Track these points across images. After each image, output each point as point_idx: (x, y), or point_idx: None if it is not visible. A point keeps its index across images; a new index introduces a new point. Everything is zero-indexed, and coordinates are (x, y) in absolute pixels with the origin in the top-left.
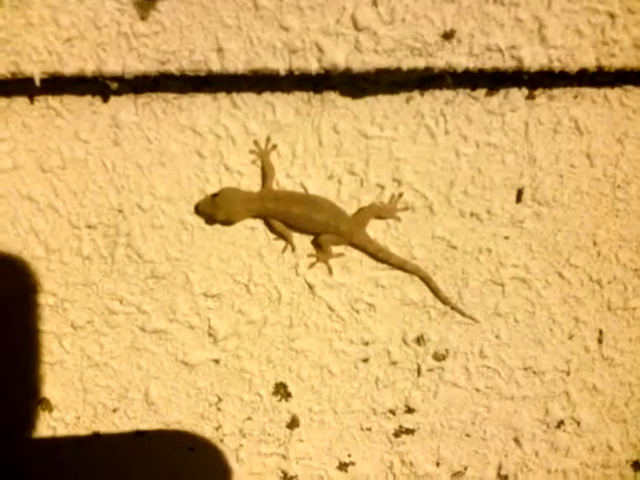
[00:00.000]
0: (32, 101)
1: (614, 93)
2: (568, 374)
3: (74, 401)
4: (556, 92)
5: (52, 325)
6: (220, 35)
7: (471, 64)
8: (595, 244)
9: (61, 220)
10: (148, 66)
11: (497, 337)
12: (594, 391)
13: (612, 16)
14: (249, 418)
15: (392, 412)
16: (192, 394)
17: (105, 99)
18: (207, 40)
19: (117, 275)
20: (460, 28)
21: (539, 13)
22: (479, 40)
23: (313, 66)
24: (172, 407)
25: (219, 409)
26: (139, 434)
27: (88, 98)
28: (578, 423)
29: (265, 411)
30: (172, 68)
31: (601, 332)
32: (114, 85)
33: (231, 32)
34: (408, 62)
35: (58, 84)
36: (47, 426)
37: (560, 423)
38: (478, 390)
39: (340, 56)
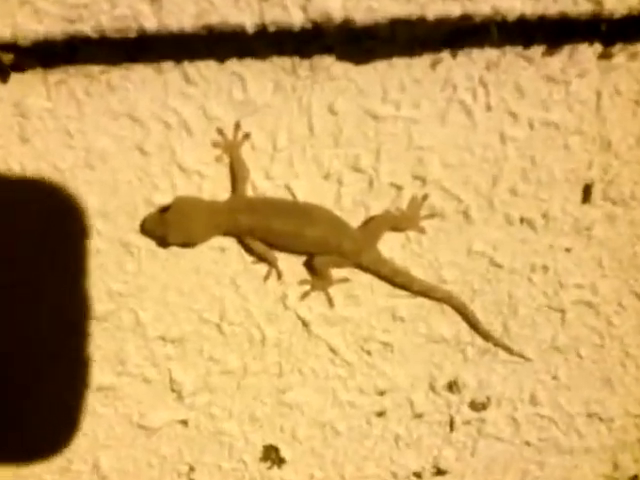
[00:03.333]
0: None
1: None
2: None
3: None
4: None
5: None
6: None
7: (528, 9)
8: None
9: None
10: (50, 27)
11: (554, 378)
12: None
13: None
14: None
15: (418, 475)
16: (155, 463)
17: (3, 78)
18: None
19: None
20: None
21: None
22: None
23: (296, 18)
24: None
25: None
26: None
27: None
28: None
29: None
30: (86, 28)
31: None
32: (8, 57)
33: None
34: (436, 8)
35: None
36: None
37: (633, 479)
38: (529, 444)
39: (335, 2)
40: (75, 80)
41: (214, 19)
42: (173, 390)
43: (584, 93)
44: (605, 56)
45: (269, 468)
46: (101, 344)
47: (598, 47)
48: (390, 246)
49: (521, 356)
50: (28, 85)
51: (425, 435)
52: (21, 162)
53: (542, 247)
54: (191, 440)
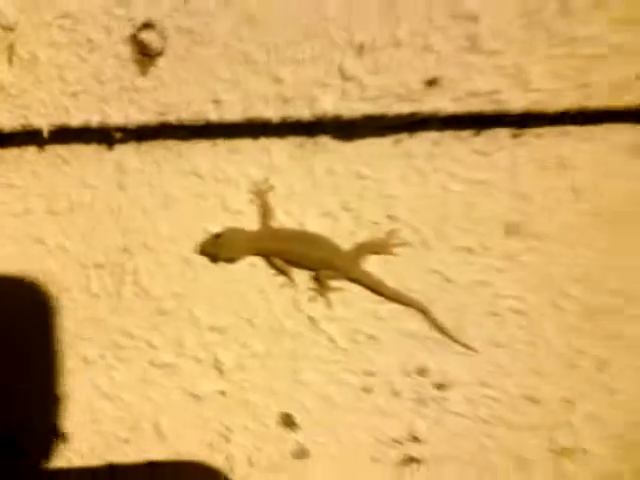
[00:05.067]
0: (41, 150)
1: (598, 130)
2: (571, 403)
3: (87, 432)
4: (541, 131)
5: (65, 360)
6: (217, 87)
7: (456, 108)
8: (587, 274)
9: (70, 260)
10: (149, 117)
11: (498, 366)
12: (597, 420)
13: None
14: (257, 448)
15: (398, 442)
16: (199, 425)
17: (110, 147)
18: (204, 92)
19: (125, 311)
20: (442, 75)
21: (519, 59)
22: (461, 85)
23: (305, 114)
24: (182, 438)
25: (227, 439)
26: (152, 465)
27: (94, 146)
28: (584, 451)
29: (273, 441)
30: (171, 118)
31: (601, 361)
32: (118, 135)
33: (227, 85)
34: (394, 108)
35: (65, 134)
36: (63, 457)
37: (566, 451)
38: (483, 420)
39: (329, 104)
40: (157, 150)
41: (253, 114)
42: (216, 368)
43: (502, 161)
44: (516, 136)
45: (286, 431)
46: (166, 332)
47: (510, 130)
48: (372, 265)
49: (470, 348)
50: (126, 152)
51: (402, 409)
52: (118, 204)
53: (481, 267)
54: (227, 407)
